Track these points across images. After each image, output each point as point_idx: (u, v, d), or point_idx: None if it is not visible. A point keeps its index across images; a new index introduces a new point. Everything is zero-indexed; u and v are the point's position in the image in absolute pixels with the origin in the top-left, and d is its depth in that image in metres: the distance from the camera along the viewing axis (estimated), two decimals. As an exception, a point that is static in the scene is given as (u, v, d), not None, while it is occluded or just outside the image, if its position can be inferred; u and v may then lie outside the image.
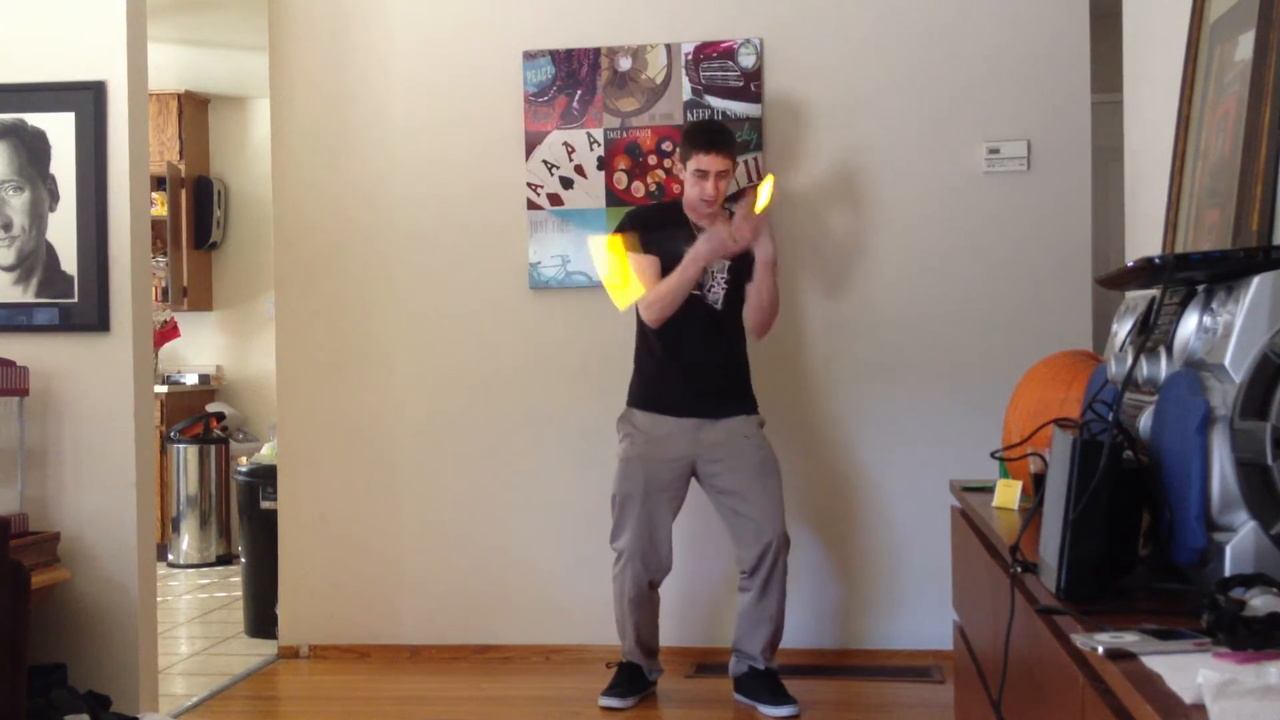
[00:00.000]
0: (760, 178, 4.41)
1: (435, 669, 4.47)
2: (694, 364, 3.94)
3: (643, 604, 3.95)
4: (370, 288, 4.67)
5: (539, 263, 4.54)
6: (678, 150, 4.17)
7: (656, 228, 3.98)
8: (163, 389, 6.86)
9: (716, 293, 3.94)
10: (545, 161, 4.54)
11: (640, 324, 4.01)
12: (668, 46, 4.48)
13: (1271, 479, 1.34)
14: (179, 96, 7.06)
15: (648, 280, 3.90)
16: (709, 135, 3.95)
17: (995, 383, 3.84)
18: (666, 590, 4.04)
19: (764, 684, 3.88)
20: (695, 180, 3.90)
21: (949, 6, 4.41)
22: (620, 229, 4.06)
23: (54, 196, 3.70)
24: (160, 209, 6.91)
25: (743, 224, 3.85)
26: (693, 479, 3.98)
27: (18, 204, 3.72)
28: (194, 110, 7.23)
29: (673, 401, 3.93)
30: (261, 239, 6.91)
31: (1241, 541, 1.37)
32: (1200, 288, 1.59)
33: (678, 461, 3.92)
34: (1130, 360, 1.63)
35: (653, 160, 4.47)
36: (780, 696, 3.84)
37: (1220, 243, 2.09)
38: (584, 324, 4.53)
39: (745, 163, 4.42)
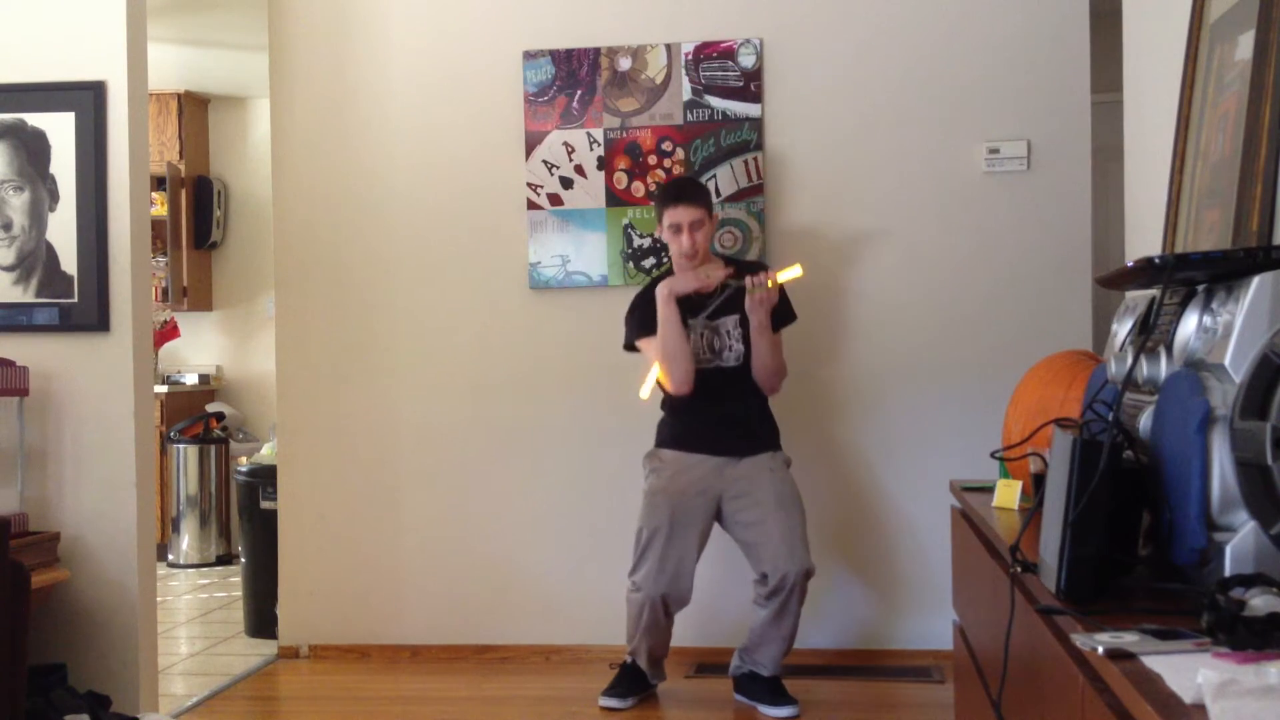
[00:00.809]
0: (760, 178, 4.41)
1: (435, 669, 4.47)
2: (717, 415, 3.95)
3: (658, 630, 3.93)
4: (370, 288, 4.67)
5: (539, 263, 4.54)
6: (654, 212, 4.15)
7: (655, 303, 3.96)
8: (163, 389, 6.86)
9: (737, 350, 3.95)
10: (545, 161, 4.54)
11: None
12: (668, 46, 4.48)
13: (1271, 479, 1.34)
14: (179, 96, 7.06)
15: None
16: (675, 188, 3.99)
17: (995, 383, 3.84)
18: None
19: (764, 684, 3.87)
20: (672, 237, 3.94)
21: (949, 7, 4.41)
22: (630, 331, 4.04)
23: (54, 196, 3.70)
24: (160, 209, 6.91)
25: (748, 280, 3.83)
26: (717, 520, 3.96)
27: (18, 204, 3.72)
28: (194, 110, 7.23)
29: (699, 441, 3.95)
30: (261, 239, 6.92)
31: (1241, 541, 1.37)
32: (1200, 288, 1.59)
33: (703, 494, 3.91)
34: (1130, 360, 1.63)
35: (653, 160, 4.47)
36: (780, 697, 3.84)
37: (1220, 243, 2.08)
38: (584, 324, 4.52)
39: (745, 162, 4.42)
